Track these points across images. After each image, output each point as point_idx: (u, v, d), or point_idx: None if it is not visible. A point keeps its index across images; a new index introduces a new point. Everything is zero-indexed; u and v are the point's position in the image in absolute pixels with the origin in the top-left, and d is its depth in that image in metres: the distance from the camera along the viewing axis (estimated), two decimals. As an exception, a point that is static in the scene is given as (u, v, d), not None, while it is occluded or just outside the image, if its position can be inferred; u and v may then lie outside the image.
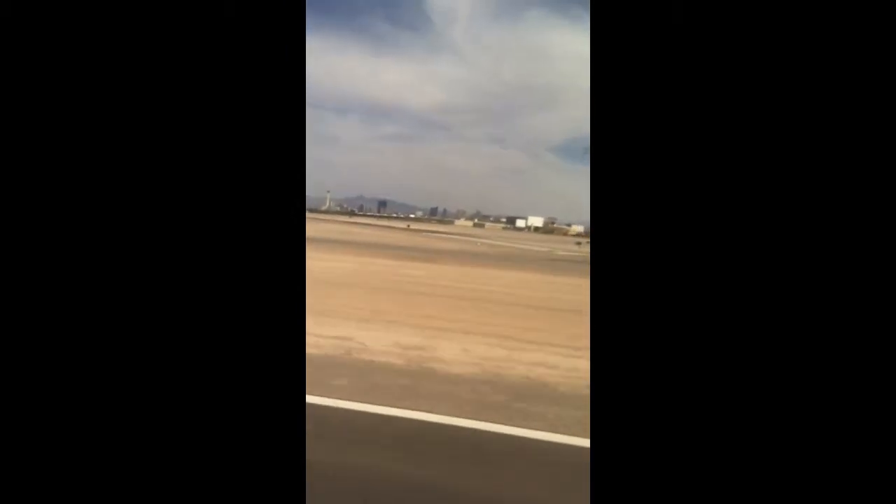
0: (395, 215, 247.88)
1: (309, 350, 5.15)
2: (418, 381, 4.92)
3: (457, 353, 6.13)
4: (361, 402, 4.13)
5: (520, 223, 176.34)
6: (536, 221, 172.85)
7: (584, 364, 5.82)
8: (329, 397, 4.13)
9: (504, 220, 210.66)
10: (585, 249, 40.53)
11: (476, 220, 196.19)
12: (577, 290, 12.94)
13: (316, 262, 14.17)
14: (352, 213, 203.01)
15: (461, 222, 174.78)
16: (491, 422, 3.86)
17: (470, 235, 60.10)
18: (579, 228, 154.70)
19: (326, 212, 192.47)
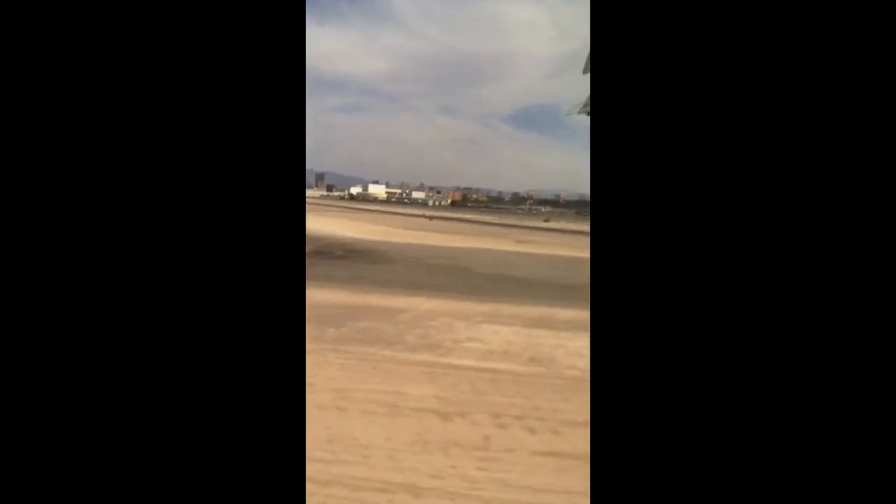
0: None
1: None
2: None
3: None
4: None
5: (355, 190, 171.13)
6: (379, 190, 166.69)
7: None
8: None
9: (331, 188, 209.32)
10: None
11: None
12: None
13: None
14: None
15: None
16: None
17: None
18: (420, 194, 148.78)
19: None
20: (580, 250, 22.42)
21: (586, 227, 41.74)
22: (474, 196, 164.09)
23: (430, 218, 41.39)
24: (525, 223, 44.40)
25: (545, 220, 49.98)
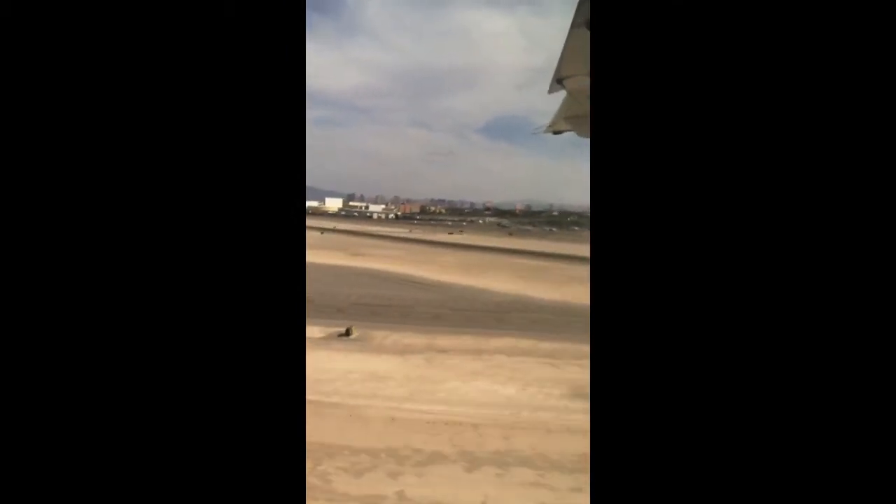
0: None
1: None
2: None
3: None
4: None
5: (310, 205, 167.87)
6: (333, 204, 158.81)
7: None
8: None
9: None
10: None
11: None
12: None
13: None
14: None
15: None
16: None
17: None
18: (377, 208, 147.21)
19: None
20: (414, 266, 23.05)
21: (492, 241, 43.09)
22: (432, 208, 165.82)
23: (322, 231, 42.40)
24: (431, 237, 45.66)
25: (449, 234, 51.74)
